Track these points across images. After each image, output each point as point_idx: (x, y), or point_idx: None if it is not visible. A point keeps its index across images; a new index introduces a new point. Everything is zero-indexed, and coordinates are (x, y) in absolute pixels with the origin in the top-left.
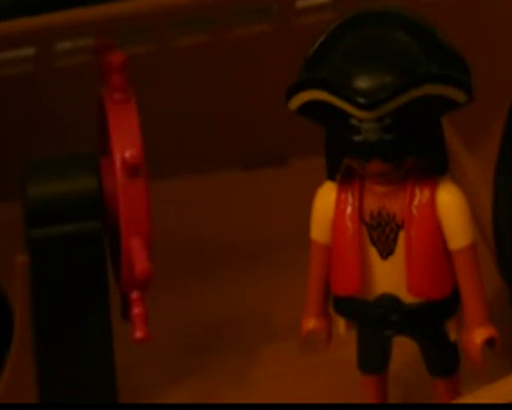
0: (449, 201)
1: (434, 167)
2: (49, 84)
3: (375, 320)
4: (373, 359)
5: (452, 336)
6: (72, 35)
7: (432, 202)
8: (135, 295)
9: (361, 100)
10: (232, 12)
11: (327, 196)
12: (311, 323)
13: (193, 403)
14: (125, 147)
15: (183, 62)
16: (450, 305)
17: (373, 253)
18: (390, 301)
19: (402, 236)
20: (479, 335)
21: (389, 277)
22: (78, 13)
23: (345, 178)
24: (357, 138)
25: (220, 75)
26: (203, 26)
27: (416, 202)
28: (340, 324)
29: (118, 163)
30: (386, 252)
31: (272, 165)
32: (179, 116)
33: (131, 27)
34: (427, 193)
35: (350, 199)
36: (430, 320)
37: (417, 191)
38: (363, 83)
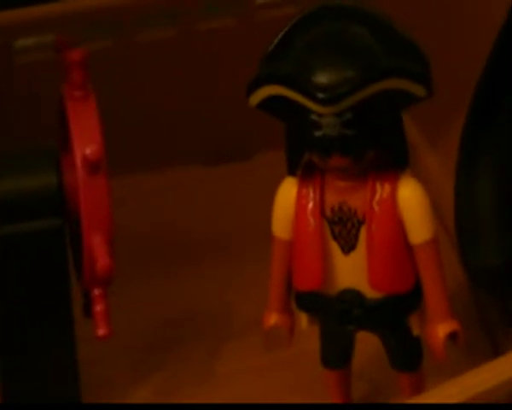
0: (409, 195)
1: (395, 162)
2: (10, 80)
3: (338, 315)
4: (336, 354)
5: (415, 331)
6: (33, 32)
7: (393, 196)
8: (96, 291)
9: (320, 95)
10: (194, 7)
11: (288, 192)
12: (273, 318)
13: (156, 401)
14: (86, 144)
15: (145, 58)
16: (412, 299)
17: (335, 248)
18: (352, 296)
19: (363, 231)
20: (442, 329)
21: (351, 272)
22: (38, 9)
23: (305, 173)
24: (317, 133)
25: (182, 71)
26: (165, 21)
27: (377, 196)
28: (303, 319)
29: (78, 160)
30: (347, 247)
31: (236, 160)
32: (141, 112)
33: (93, 23)
34: (387, 188)
35: (311, 194)
36: (392, 315)
37: (378, 186)
38: (322, 78)
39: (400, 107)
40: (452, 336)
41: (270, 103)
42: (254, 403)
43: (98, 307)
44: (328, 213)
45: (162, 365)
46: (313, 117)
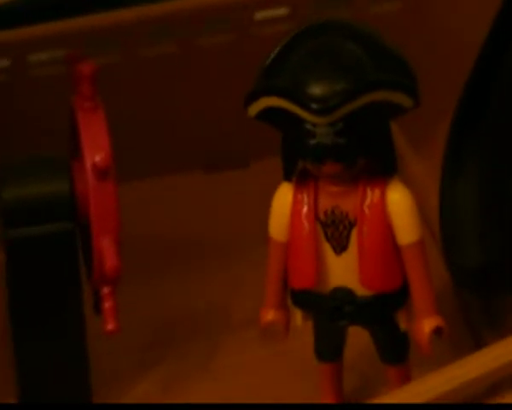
0: (398, 200)
1: (384, 168)
2: (24, 92)
3: (330, 312)
4: (329, 347)
5: (402, 326)
6: (46, 47)
7: (382, 201)
8: (105, 290)
9: (314, 106)
10: (195, 23)
11: (284, 197)
12: (269, 314)
13: (159, 393)
14: (95, 151)
15: (149, 71)
16: (400, 297)
17: (327, 249)
18: (344, 293)
19: (354, 233)
20: (427, 324)
21: (343, 271)
22: (51, 26)
23: (300, 179)
24: (311, 142)
25: (183, 83)
26: (168, 37)
27: (367, 201)
28: (298, 315)
29: (88, 167)
30: (339, 248)
31: (234, 167)
32: (145, 122)
33: (101, 39)
34: (377, 193)
35: (305, 199)
36: (381, 311)
37: (368, 191)
38: (316, 90)
39: (389, 117)
40: (437, 331)
41: (268, 114)
42: (254, 403)
43: (107, 304)
44: (321, 216)
45: (166, 357)
46: (308, 126)
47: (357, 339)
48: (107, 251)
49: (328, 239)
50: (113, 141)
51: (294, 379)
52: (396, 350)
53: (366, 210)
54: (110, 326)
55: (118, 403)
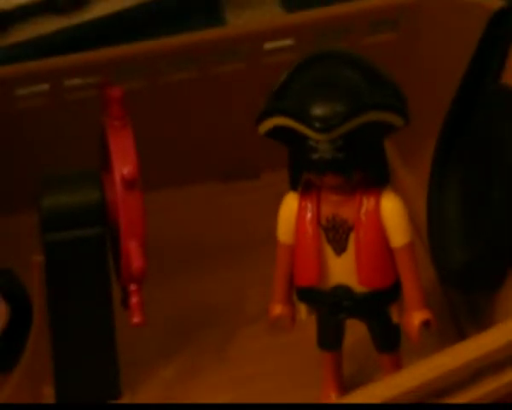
0: (391, 207)
1: (378, 180)
2: (61, 113)
3: (331, 306)
4: (330, 338)
5: (395, 319)
6: (81, 73)
7: (377, 208)
8: (133, 287)
9: (317, 125)
10: (211, 53)
11: (290, 204)
12: (277, 309)
13: (178, 379)
14: (124, 165)
15: (171, 94)
16: (392, 293)
17: (329, 250)
18: (343, 290)
19: (352, 236)
20: (417, 317)
21: (342, 270)
22: (85, 55)
23: (305, 189)
24: (314, 156)
25: (202, 105)
26: (188, 65)
27: (363, 208)
28: (302, 309)
29: (117, 178)
30: (339, 249)
31: (247, 178)
32: (168, 139)
33: (129, 66)
34: (372, 201)
35: (309, 206)
36: (376, 306)
37: (365, 200)
38: (319, 111)
39: (382, 134)
40: (426, 324)
41: (276, 131)
42: (254, 403)
43: (134, 300)
44: (323, 221)
45: (185, 347)
46: (311, 143)
47: (355, 330)
48: (133, 253)
49: (329, 242)
50: (139, 155)
51: (300, 366)
52: (389, 340)
53: (363, 217)
54: (137, 319)
55: (117, 403)
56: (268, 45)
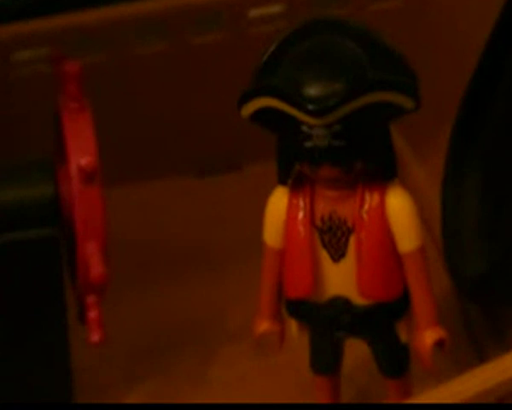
0: (398, 205)
1: (383, 172)
2: (7, 92)
3: (327, 322)
4: (325, 360)
5: (403, 338)
6: (30, 45)
7: (381, 206)
8: (90, 299)
9: (311, 107)
10: (186, 21)
11: (278, 202)
12: (263, 325)
13: (151, 403)
14: (81, 154)
15: (138, 71)
16: (400, 307)
17: (324, 256)
18: (341, 303)
19: (353, 239)
20: (429, 336)
21: (340, 279)
22: (34, 23)
23: (296, 183)
24: (307, 144)
25: (174, 84)
26: (158, 36)
27: (366, 206)
28: (293, 326)
29: (73, 170)
30: (337, 255)
31: (227, 170)
32: (133, 124)
33: (87, 37)
34: (376, 197)
35: (301, 204)
36: (380, 322)
37: (367, 196)
38: (312, 90)
39: (388, 118)
40: (439, 343)
41: (262, 115)
42: (254, 403)
43: (92, 314)
44: (318, 222)
45: (156, 369)
46: (304, 128)
47: (355, 351)
48: (92, 258)
49: (325, 246)
50: (99, 143)
51: (289, 394)
52: (396, 363)
53: (364, 216)
54: (95, 337)
55: (117, 403)
56: (253, 12)
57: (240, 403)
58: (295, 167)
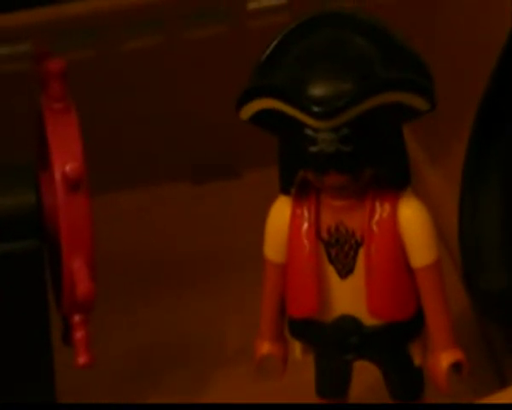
0: (411, 216)
1: (395, 180)
2: None
3: (334, 344)
4: (332, 384)
5: (417, 361)
6: (9, 40)
7: (393, 217)
8: (77, 317)
9: (316, 109)
10: (182, 14)
11: (281, 212)
12: (265, 347)
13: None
14: (66, 160)
15: (130, 68)
16: (413, 327)
17: (331, 272)
18: (349, 323)
19: (362, 253)
20: (445, 359)
21: (348, 297)
22: (15, 16)
23: (300, 191)
24: (312, 149)
25: (169, 82)
26: (152, 29)
27: (376, 217)
28: (297, 348)
29: (58, 177)
30: (345, 271)
31: (225, 178)
32: (125, 126)
33: (73, 31)
34: (387, 208)
35: (306, 214)
36: (392, 343)
37: (377, 206)
38: (318, 90)
39: (401, 121)
40: (456, 366)
41: (263, 117)
42: (254, 403)
43: (79, 334)
44: (324, 234)
45: (145, 393)
46: (308, 132)
47: (365, 375)
48: (78, 273)
49: (331, 261)
50: (86, 147)
51: None
52: (409, 388)
53: (375, 227)
54: (82, 359)
55: (116, 403)
56: (253, 4)
57: (240, 403)
58: (299, 175)
